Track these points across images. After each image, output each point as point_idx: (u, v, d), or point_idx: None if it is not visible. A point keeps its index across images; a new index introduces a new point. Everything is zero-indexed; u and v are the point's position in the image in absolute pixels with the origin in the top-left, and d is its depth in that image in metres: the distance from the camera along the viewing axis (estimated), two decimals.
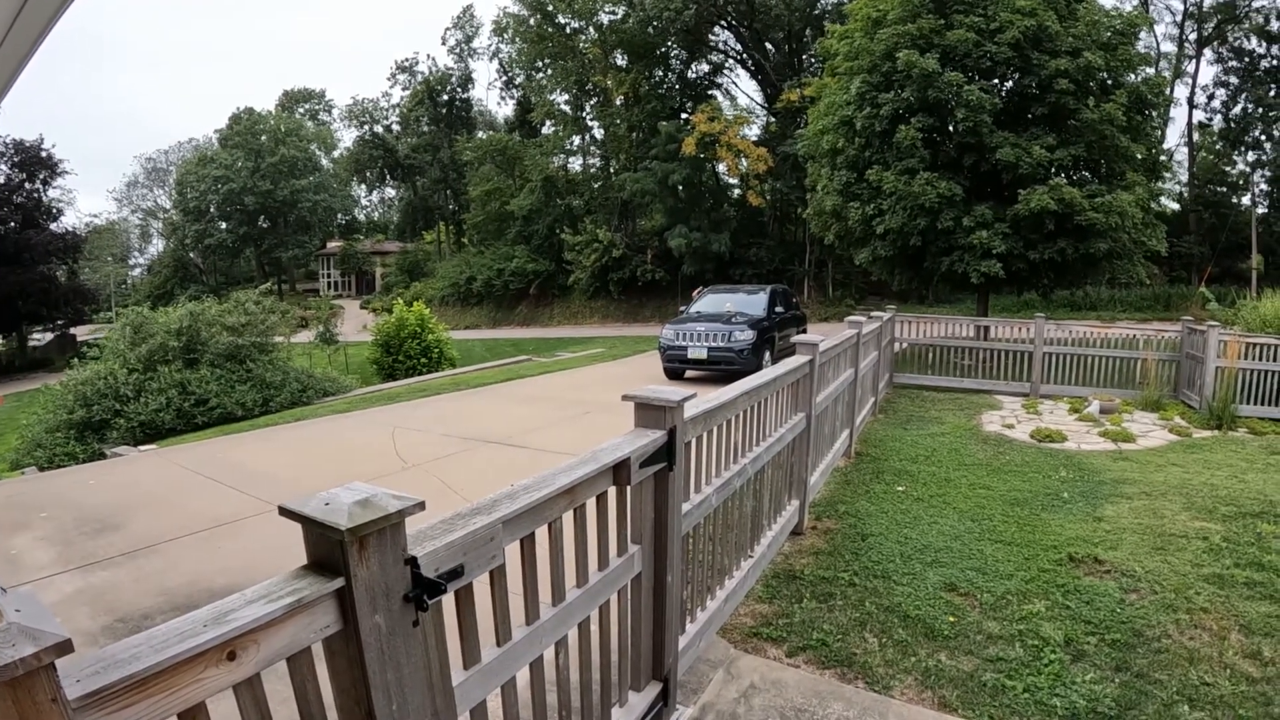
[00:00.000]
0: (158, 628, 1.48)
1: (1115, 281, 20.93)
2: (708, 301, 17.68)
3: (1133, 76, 17.77)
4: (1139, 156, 17.55)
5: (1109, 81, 17.18)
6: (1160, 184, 20.01)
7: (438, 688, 2.02)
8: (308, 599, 1.65)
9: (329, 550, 1.72)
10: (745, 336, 14.83)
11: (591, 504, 2.82)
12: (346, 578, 1.71)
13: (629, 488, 3.03)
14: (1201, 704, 3.96)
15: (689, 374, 15.87)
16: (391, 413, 12.88)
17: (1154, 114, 18.86)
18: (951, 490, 7.69)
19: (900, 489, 7.72)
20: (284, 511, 1.75)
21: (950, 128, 17.50)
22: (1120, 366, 13.81)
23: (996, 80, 17.40)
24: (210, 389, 14.98)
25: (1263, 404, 11.87)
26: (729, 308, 16.60)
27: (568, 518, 2.67)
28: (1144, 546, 6.12)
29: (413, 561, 1.86)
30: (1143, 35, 23.16)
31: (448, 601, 2.03)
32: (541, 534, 2.49)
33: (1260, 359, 11.93)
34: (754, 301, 16.92)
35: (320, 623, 1.71)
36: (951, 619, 4.86)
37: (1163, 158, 20.08)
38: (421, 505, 1.82)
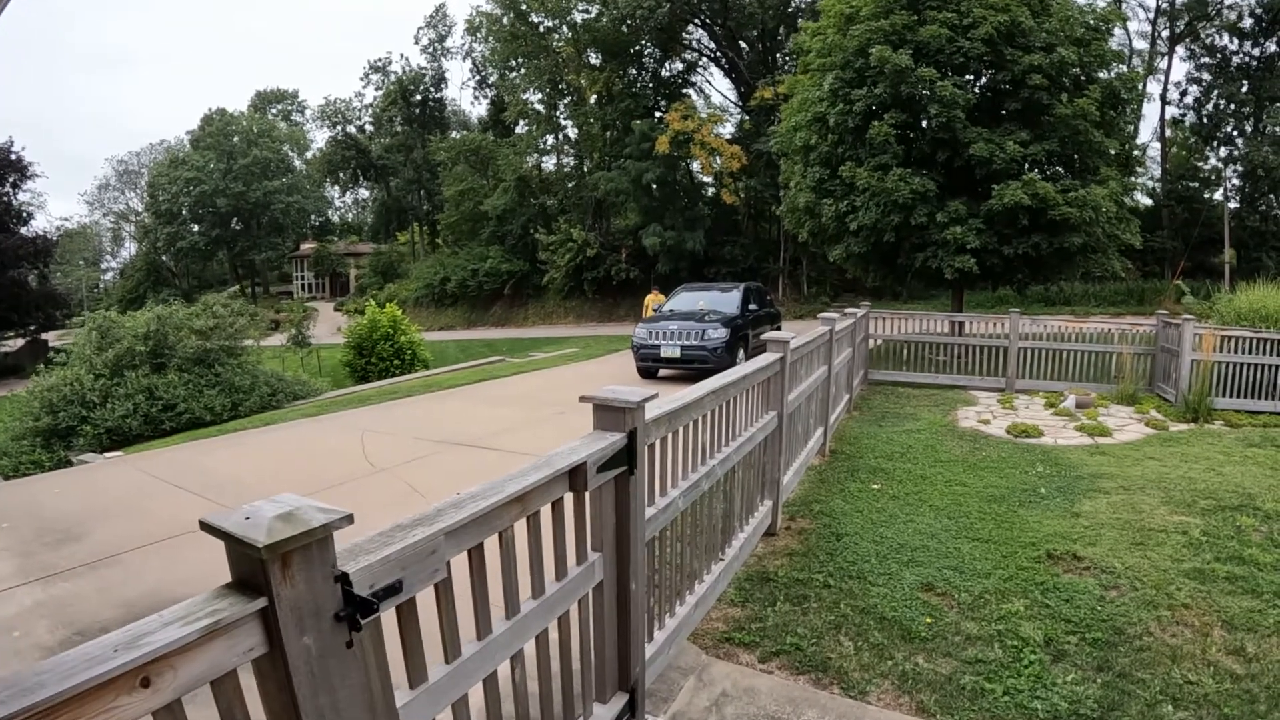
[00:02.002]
0: (68, 652, 1.36)
1: (1090, 275, 20.88)
2: (681, 299, 17.57)
3: (1105, 74, 17.78)
4: (1112, 151, 17.57)
5: (1082, 77, 17.18)
6: (1134, 179, 20.04)
7: (380, 709, 1.88)
8: (226, 621, 1.52)
9: (251, 568, 1.59)
10: (718, 335, 14.71)
11: (547, 511, 2.68)
12: (269, 597, 1.58)
13: (587, 494, 2.90)
14: (1185, 703, 3.88)
15: (663, 373, 15.75)
16: (362, 416, 12.70)
17: (1127, 109, 18.89)
18: (928, 487, 7.60)
19: (876, 487, 7.63)
20: (205, 526, 1.62)
21: (923, 124, 17.43)
22: (1095, 361, 13.89)
23: (970, 76, 17.38)
24: (178, 394, 14.71)
25: (1238, 396, 11.94)
26: (702, 306, 16.50)
27: (521, 526, 2.54)
28: (1123, 542, 6.05)
29: (344, 578, 1.73)
30: (1116, 31, 23.14)
31: (390, 619, 1.90)
32: (491, 544, 2.36)
33: (1235, 352, 11.98)
34: (727, 299, 16.84)
35: (244, 645, 1.58)
36: (929, 620, 4.77)
37: (1136, 153, 20.09)
38: (349, 519, 1.69)
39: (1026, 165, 16.77)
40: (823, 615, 4.85)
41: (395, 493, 7.54)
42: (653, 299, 19.42)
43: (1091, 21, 17.67)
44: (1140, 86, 26.30)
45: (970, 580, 5.34)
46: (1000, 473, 8.18)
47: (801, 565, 5.62)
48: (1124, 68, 20.30)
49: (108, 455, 11.82)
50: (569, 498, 2.81)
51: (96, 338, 15.53)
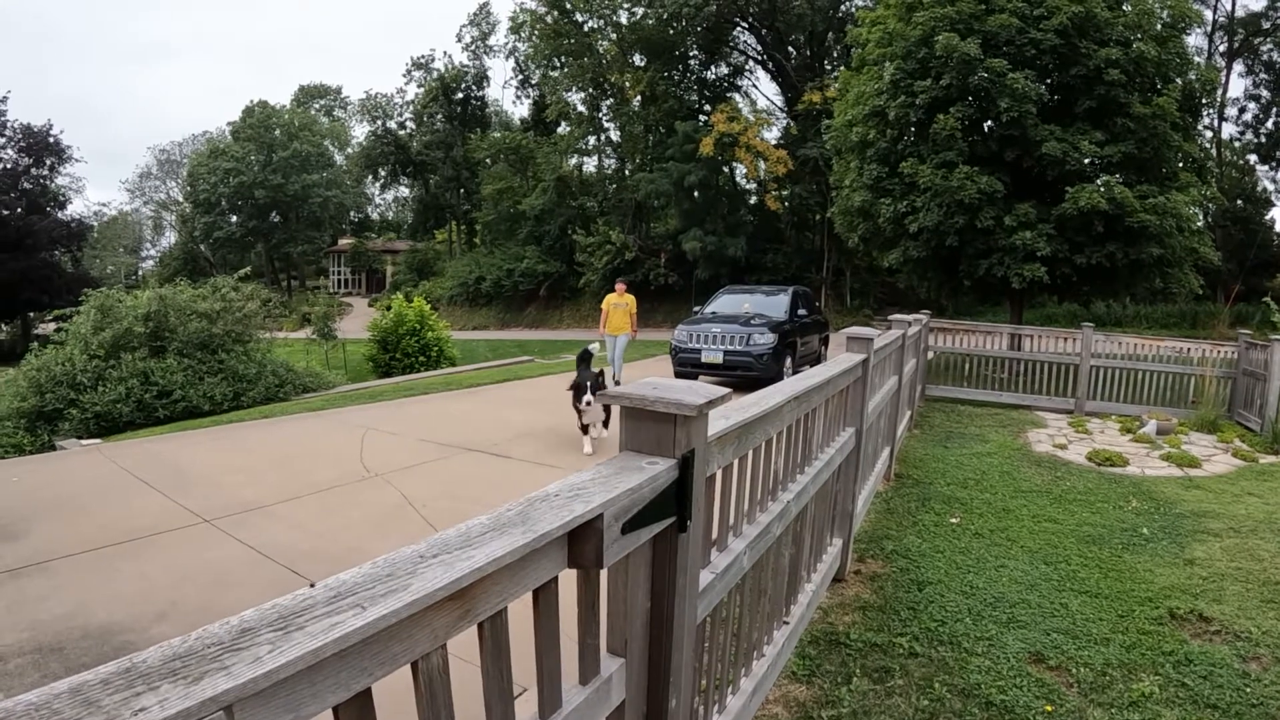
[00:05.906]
0: None
1: (1166, 292, 19.34)
2: (724, 302, 16.54)
3: (1179, 80, 16.54)
4: (1193, 157, 16.35)
5: (1157, 79, 15.96)
6: (1210, 189, 18.74)
7: None
8: None
9: None
10: (765, 340, 13.65)
11: (525, 602, 1.46)
12: None
13: (604, 571, 1.63)
14: None
15: (701, 380, 14.65)
16: (369, 413, 11.70)
17: (1205, 114, 17.69)
18: (1014, 523, 6.55)
19: (954, 521, 6.53)
20: None
21: (990, 121, 16.26)
22: (1171, 383, 12.92)
23: (1039, 70, 16.15)
24: (175, 380, 13.83)
25: None
26: (747, 309, 15.43)
27: (469, 636, 1.33)
28: (1252, 598, 5.08)
29: None
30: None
31: None
32: (396, 683, 1.17)
33: None
34: (774, 303, 15.75)
35: None
36: (1048, 708, 3.69)
37: (1210, 163, 18.85)
38: None
39: (1100, 167, 15.62)
40: (912, 698, 3.73)
41: (384, 504, 6.53)
42: (616, 298, 16.62)
43: (1168, 18, 16.45)
44: (1220, 92, 24.99)
45: (1086, 649, 4.31)
46: (1092, 508, 7.18)
47: (878, 623, 4.50)
48: (1195, 72, 18.99)
49: (85, 443, 10.98)
50: (569, 577, 1.57)
51: (97, 317, 14.60)
